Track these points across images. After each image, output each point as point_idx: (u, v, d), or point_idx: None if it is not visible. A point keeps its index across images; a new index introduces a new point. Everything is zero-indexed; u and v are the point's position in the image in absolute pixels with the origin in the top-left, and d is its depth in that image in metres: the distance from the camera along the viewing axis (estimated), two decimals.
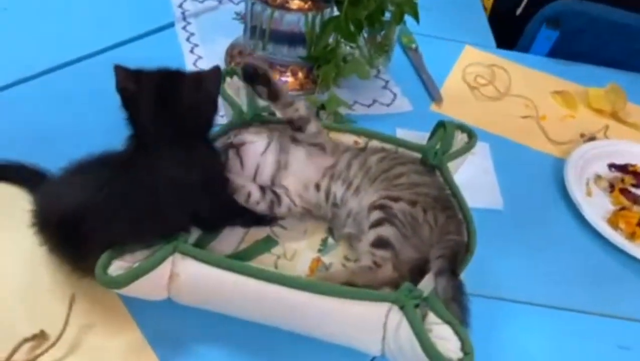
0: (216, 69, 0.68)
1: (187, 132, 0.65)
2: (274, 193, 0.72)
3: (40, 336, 0.59)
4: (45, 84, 0.91)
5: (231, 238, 0.71)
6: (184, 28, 1.07)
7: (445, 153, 0.75)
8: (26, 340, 0.58)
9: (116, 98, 0.67)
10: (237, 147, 0.73)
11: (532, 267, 0.79)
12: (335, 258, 0.72)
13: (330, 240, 0.74)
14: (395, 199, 0.68)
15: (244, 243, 0.71)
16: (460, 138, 0.79)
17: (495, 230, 0.81)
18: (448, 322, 0.57)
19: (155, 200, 0.59)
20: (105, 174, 0.59)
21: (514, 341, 0.70)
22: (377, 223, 0.66)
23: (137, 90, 0.64)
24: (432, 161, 0.75)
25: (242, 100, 0.78)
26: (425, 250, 0.66)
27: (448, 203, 0.71)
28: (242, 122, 0.76)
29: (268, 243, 0.72)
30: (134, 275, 0.56)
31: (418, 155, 0.76)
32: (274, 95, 0.74)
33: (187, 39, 1.05)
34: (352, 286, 0.60)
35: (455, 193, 0.72)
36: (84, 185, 0.59)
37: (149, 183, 0.59)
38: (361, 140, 0.76)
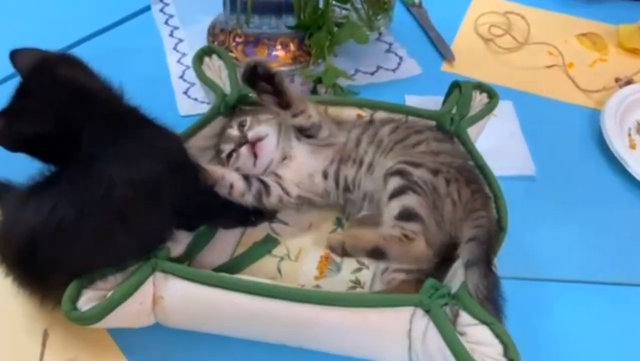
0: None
1: (113, 120, 0.53)
2: (262, 182, 0.62)
3: None
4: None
5: (225, 244, 0.62)
6: (161, 10, 0.98)
7: (463, 118, 0.65)
8: None
9: None
10: (254, 143, 0.63)
11: (574, 238, 0.69)
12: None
13: (340, 232, 0.64)
14: (416, 165, 0.58)
15: (240, 246, 0.62)
16: (479, 100, 0.68)
17: (528, 199, 0.72)
18: (485, 323, 0.47)
19: (113, 209, 0.49)
20: (53, 193, 0.50)
21: (562, 328, 0.61)
22: (399, 192, 0.56)
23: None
24: (449, 127, 0.65)
25: (224, 81, 0.68)
26: (448, 230, 0.56)
27: (473, 175, 0.61)
28: (226, 107, 0.66)
29: (268, 243, 0.63)
30: (108, 307, 0.47)
31: (430, 124, 0.66)
32: (285, 103, 0.61)
33: (166, 22, 0.96)
34: (380, 254, 0.51)
35: (478, 162, 0.62)
36: (36, 206, 0.50)
37: (101, 191, 0.49)
38: (365, 113, 0.65)
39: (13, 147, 0.52)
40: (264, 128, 0.64)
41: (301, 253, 0.62)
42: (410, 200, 0.56)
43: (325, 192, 0.64)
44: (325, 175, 0.63)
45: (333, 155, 0.63)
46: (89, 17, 0.94)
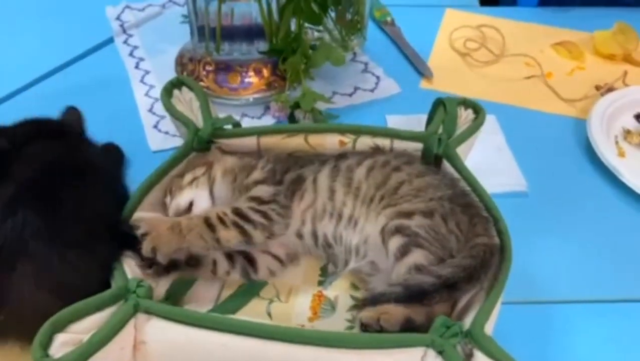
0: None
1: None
2: (246, 257, 0.58)
3: None
4: None
5: (208, 287, 0.57)
6: (125, 42, 0.93)
7: (450, 137, 0.62)
8: None
9: None
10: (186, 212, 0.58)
11: (573, 255, 0.66)
12: (340, 289, 0.58)
13: (331, 267, 0.60)
14: (408, 214, 0.54)
15: (225, 290, 0.58)
16: (464, 116, 0.65)
17: (522, 216, 0.68)
18: None
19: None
20: None
21: (569, 350, 0.57)
22: (403, 252, 0.52)
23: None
24: (437, 150, 0.61)
25: (196, 114, 0.64)
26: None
27: (467, 199, 0.57)
28: (200, 142, 0.61)
29: (255, 285, 0.58)
30: (85, 353, 0.42)
31: (416, 147, 0.62)
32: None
33: (130, 53, 0.91)
34: (410, 324, 0.47)
35: (472, 184, 0.59)
36: None
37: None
38: (347, 139, 0.62)
39: None
40: (187, 194, 0.58)
41: (291, 293, 0.58)
42: (416, 257, 0.52)
43: (306, 250, 0.59)
44: (299, 236, 0.58)
45: (301, 217, 0.58)
46: (50, 51, 0.90)
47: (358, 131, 0.61)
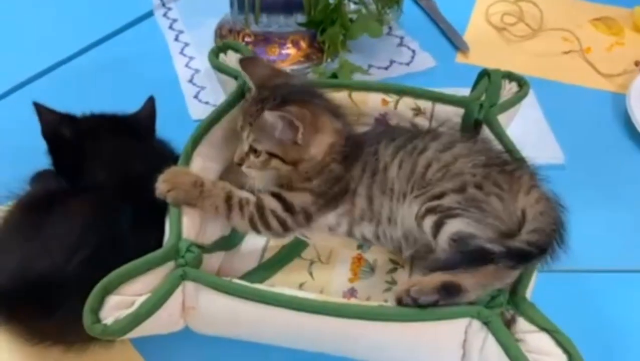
0: (150, 101, 0.63)
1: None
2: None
3: None
4: (27, 95, 0.79)
5: (252, 248, 0.59)
6: (164, 15, 0.95)
7: (493, 106, 0.62)
8: None
9: (107, 98, 0.60)
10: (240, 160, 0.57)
11: (609, 226, 0.67)
12: (379, 253, 0.59)
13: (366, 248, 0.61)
14: (439, 196, 0.53)
15: (268, 251, 0.59)
16: (508, 88, 0.65)
17: (559, 188, 0.68)
18: (546, 330, 0.44)
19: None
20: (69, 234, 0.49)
21: (606, 319, 0.58)
22: (438, 226, 0.51)
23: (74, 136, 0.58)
24: (477, 115, 0.62)
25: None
26: (509, 217, 0.52)
27: (503, 158, 0.57)
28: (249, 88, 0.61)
29: (297, 246, 0.60)
30: (134, 321, 0.44)
31: (457, 112, 0.63)
32: None
33: (170, 26, 0.93)
34: (454, 289, 0.46)
35: (511, 150, 0.59)
36: (46, 244, 0.49)
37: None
38: (390, 99, 0.62)
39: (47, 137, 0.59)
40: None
41: (332, 256, 0.59)
42: (452, 227, 0.50)
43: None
44: (332, 231, 0.57)
45: (336, 220, 0.57)
46: (91, 25, 0.92)
47: (401, 91, 0.62)
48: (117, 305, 0.44)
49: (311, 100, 0.57)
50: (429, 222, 0.51)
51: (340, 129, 0.57)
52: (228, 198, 0.54)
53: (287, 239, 0.59)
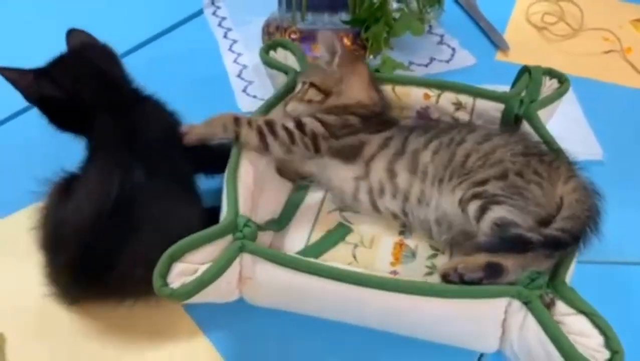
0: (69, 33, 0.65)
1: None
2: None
3: None
4: None
5: (300, 230, 0.62)
6: (213, 13, 1.00)
7: (533, 102, 0.64)
8: None
9: (161, 93, 0.63)
10: None
11: None
12: (420, 239, 0.62)
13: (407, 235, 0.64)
14: (482, 182, 0.55)
15: (314, 234, 0.63)
16: (548, 85, 0.67)
17: (599, 184, 0.70)
18: (584, 313, 0.46)
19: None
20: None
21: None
22: (481, 212, 0.53)
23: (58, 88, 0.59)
24: (518, 111, 0.64)
25: (292, 65, 0.70)
26: (548, 204, 0.54)
27: (540, 148, 0.59)
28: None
29: (341, 231, 0.63)
30: (197, 287, 0.48)
31: (498, 107, 0.65)
32: None
33: (219, 24, 0.98)
34: (496, 269, 0.49)
35: (550, 144, 0.61)
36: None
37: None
38: (432, 93, 0.65)
39: (35, 101, 0.60)
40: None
41: (374, 240, 0.62)
42: (496, 213, 0.52)
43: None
44: (356, 200, 0.62)
45: (354, 184, 0.61)
46: (144, 23, 0.97)
47: (443, 86, 0.64)
48: (182, 271, 0.48)
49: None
50: (473, 206, 0.54)
51: (374, 98, 0.63)
52: (236, 117, 0.60)
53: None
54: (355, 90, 0.63)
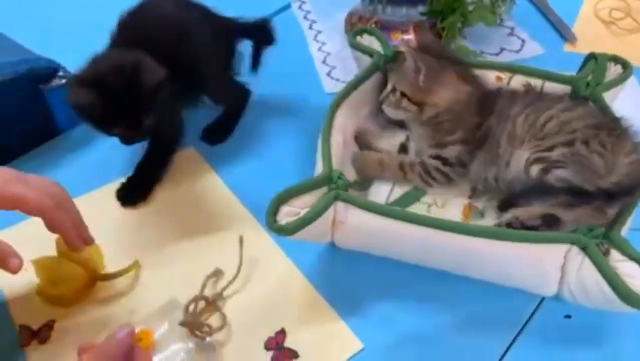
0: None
1: None
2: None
3: (217, 273, 0.65)
4: None
5: (380, 194, 0.71)
6: (299, 7, 1.11)
7: (598, 85, 0.70)
8: (209, 277, 0.64)
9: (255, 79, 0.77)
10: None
11: None
12: (488, 202, 0.69)
13: (480, 187, 0.71)
14: (549, 148, 0.63)
15: (392, 194, 0.72)
16: (613, 70, 0.73)
17: None
18: (634, 259, 0.53)
19: None
20: None
21: None
22: (545, 172, 0.61)
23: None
24: (584, 93, 0.70)
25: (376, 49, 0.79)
26: (607, 174, 0.60)
27: (615, 124, 0.65)
28: (385, 61, 0.77)
29: (417, 192, 0.71)
30: (300, 224, 0.57)
31: (565, 89, 0.72)
32: None
33: (305, 17, 1.08)
34: (554, 219, 0.57)
35: (617, 118, 0.67)
36: None
37: None
38: (504, 76, 0.73)
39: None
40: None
41: (447, 202, 0.70)
42: (555, 175, 0.60)
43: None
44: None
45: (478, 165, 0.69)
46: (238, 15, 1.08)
47: (514, 70, 0.72)
48: (287, 212, 0.58)
49: (449, 62, 0.70)
50: (535, 168, 0.62)
51: (470, 91, 0.69)
52: (401, 166, 0.71)
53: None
54: (447, 97, 0.70)
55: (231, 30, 0.81)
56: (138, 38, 0.69)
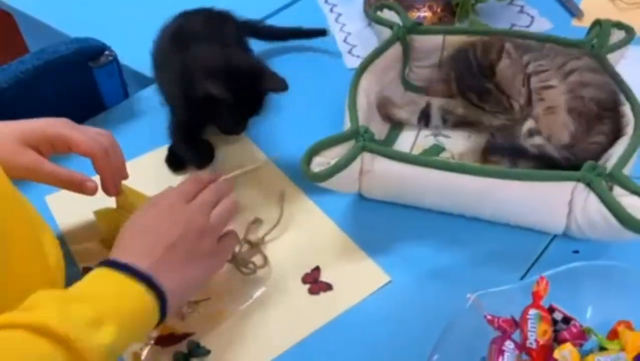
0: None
1: None
2: None
3: (257, 221, 0.73)
4: None
5: (402, 148, 0.78)
6: None
7: (602, 47, 0.77)
8: (251, 223, 0.72)
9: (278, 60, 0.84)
10: None
11: None
12: (501, 159, 0.75)
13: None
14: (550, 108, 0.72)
15: (413, 151, 0.78)
16: (617, 35, 0.79)
17: None
18: (636, 192, 0.58)
19: None
20: None
21: None
22: (528, 136, 0.71)
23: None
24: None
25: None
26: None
27: (612, 105, 0.72)
28: (404, 32, 0.83)
29: (436, 148, 0.78)
30: (331, 172, 0.64)
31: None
32: None
33: (325, 1, 1.15)
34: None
35: (619, 82, 0.73)
36: None
37: None
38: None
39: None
40: None
41: (463, 157, 0.77)
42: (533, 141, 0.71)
43: None
44: None
45: None
46: (261, 2, 1.16)
47: (525, 36, 0.78)
48: (319, 162, 0.65)
49: None
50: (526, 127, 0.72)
51: None
52: None
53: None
54: None
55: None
56: None
